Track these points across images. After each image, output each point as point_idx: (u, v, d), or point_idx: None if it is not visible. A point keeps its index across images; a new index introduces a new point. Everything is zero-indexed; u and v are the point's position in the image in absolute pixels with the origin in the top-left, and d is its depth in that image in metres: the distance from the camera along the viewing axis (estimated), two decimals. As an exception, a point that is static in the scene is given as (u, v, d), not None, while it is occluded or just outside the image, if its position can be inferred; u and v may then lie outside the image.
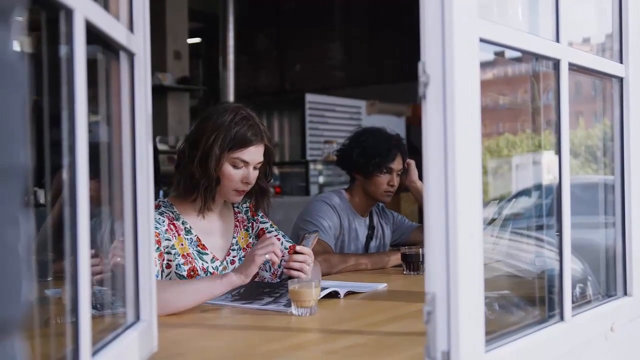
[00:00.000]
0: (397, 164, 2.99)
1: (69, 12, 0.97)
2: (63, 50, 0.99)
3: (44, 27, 1.02)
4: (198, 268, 2.19)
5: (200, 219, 2.27)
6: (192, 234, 2.23)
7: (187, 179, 2.20)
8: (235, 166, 2.20)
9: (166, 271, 2.14)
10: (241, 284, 1.98)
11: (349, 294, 2.17)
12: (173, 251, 2.15)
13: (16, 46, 0.58)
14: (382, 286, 2.34)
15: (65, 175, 0.99)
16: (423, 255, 2.62)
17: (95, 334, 1.05)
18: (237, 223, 2.38)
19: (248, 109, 2.25)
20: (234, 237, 2.35)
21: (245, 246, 2.36)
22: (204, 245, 2.24)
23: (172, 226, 2.18)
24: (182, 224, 2.23)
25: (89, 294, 1.01)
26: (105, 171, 1.31)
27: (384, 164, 2.96)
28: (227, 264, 2.29)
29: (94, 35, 1.09)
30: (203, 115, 2.27)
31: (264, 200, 2.36)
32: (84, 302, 0.99)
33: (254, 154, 2.21)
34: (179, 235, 2.19)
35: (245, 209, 2.42)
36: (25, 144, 0.56)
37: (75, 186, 0.98)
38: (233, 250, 2.33)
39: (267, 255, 1.98)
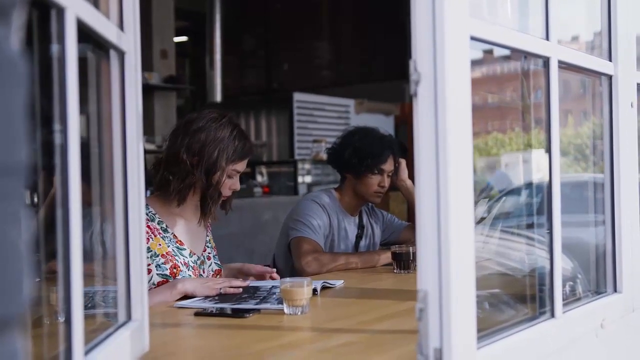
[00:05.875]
0: (388, 166, 2.98)
1: (61, 11, 0.97)
2: (54, 48, 0.99)
3: (33, 25, 1.01)
4: (180, 264, 2.24)
5: (177, 218, 2.31)
6: (169, 232, 2.27)
7: (187, 187, 2.24)
8: (230, 176, 2.28)
9: (147, 277, 2.14)
10: (191, 292, 2.09)
11: (324, 288, 2.21)
12: (149, 253, 2.17)
13: (16, 44, 0.58)
14: (339, 283, 2.35)
15: (56, 175, 0.98)
16: (413, 253, 2.64)
17: (87, 333, 1.05)
18: (208, 224, 2.45)
19: (234, 118, 2.34)
20: (207, 236, 2.43)
21: (213, 246, 2.46)
22: (181, 241, 2.29)
23: (147, 228, 2.18)
24: (158, 223, 2.26)
25: (81, 294, 1.00)
26: (96, 171, 1.30)
27: (376, 165, 2.94)
28: (204, 258, 2.37)
29: (84, 34, 1.08)
30: (194, 124, 2.25)
31: (231, 197, 2.39)
32: (76, 302, 0.99)
33: (245, 163, 2.33)
34: (155, 236, 2.22)
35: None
36: (25, 141, 0.56)
37: (67, 187, 0.98)
38: (208, 247, 2.42)
39: (221, 290, 2.11)
